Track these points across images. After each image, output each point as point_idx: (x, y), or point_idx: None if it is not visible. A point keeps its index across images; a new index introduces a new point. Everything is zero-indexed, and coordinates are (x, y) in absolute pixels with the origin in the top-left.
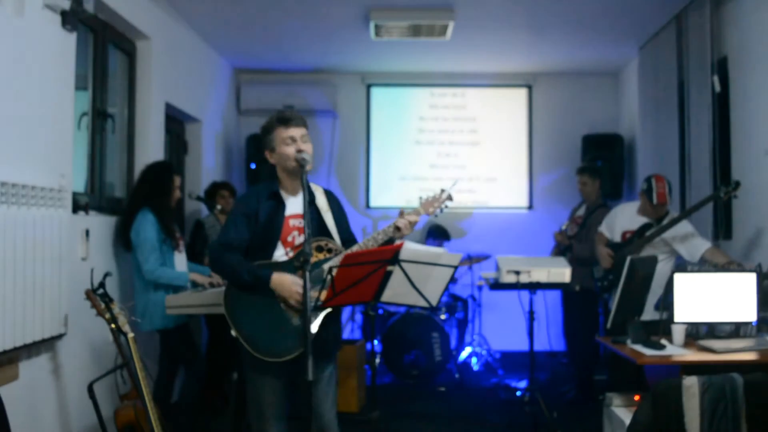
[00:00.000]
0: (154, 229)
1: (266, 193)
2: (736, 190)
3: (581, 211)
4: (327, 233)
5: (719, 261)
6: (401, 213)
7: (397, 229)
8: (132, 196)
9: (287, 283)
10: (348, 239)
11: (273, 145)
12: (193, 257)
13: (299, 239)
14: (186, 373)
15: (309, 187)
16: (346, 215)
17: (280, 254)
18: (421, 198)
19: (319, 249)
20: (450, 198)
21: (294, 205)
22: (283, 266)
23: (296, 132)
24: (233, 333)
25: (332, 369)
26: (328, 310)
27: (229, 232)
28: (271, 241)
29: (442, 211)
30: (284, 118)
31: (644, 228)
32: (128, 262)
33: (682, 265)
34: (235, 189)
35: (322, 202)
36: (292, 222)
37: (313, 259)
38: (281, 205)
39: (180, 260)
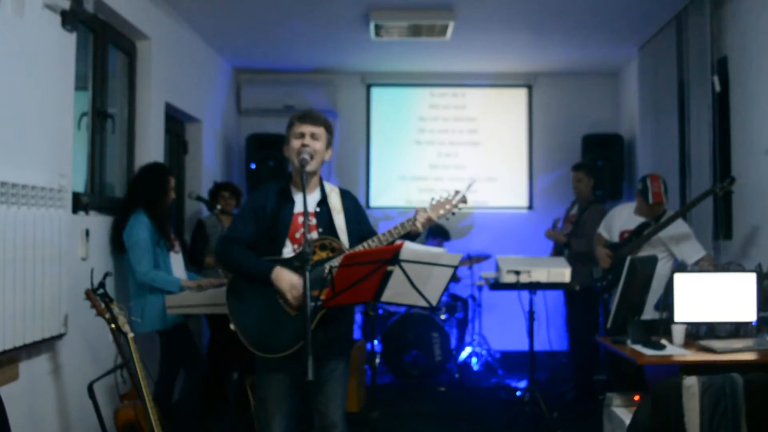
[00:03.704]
0: (147, 230)
1: (277, 189)
2: (732, 186)
3: (574, 210)
4: (334, 233)
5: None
6: (417, 212)
7: (415, 222)
8: (126, 198)
9: (286, 278)
10: (370, 236)
11: (288, 138)
12: (194, 256)
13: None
14: (186, 375)
15: (322, 187)
16: (365, 213)
17: (289, 251)
18: (432, 199)
19: (323, 247)
20: (464, 200)
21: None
22: (286, 263)
23: (307, 128)
24: (232, 327)
25: (343, 368)
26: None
27: (236, 227)
28: (279, 237)
29: (454, 214)
30: (301, 114)
31: (642, 227)
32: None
33: (682, 265)
34: (239, 189)
35: (335, 202)
36: (301, 219)
37: (315, 257)
38: (290, 201)
39: (176, 261)
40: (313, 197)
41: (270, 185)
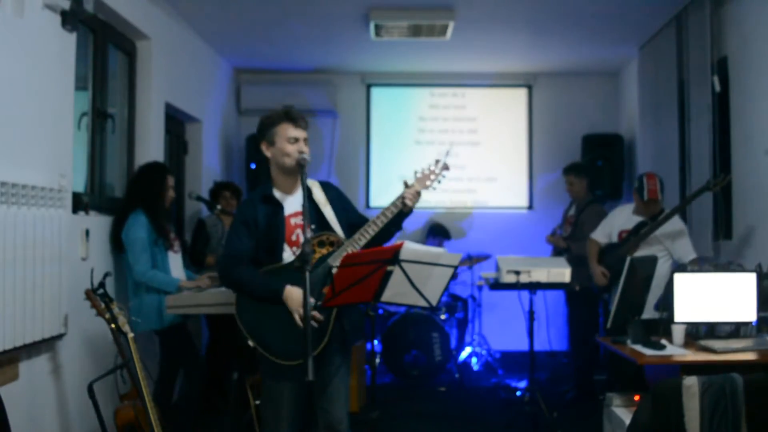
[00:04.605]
0: (145, 230)
1: (261, 197)
2: (725, 181)
3: (572, 211)
4: (328, 227)
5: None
6: (405, 184)
7: (404, 199)
8: (125, 197)
9: (296, 297)
10: (359, 222)
11: (273, 139)
12: (194, 256)
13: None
14: (186, 375)
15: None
16: (349, 200)
17: (288, 255)
18: (416, 172)
19: (321, 244)
20: (446, 167)
21: (292, 204)
22: (287, 268)
23: (301, 134)
24: (250, 343)
25: (346, 365)
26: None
27: (233, 244)
28: (276, 243)
29: (440, 182)
30: (292, 116)
31: (640, 226)
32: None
33: (682, 265)
34: (239, 189)
35: (319, 195)
36: (293, 221)
37: (316, 255)
38: (279, 206)
39: (174, 260)
40: (298, 195)
41: (253, 195)
